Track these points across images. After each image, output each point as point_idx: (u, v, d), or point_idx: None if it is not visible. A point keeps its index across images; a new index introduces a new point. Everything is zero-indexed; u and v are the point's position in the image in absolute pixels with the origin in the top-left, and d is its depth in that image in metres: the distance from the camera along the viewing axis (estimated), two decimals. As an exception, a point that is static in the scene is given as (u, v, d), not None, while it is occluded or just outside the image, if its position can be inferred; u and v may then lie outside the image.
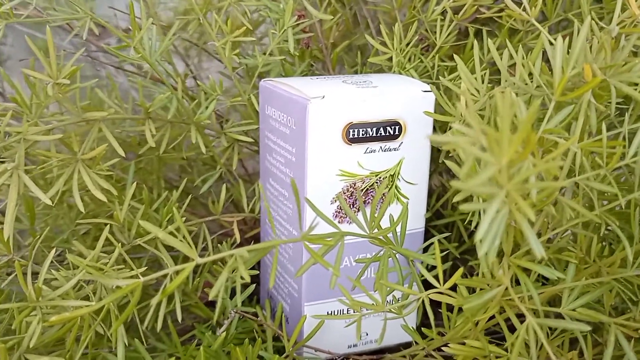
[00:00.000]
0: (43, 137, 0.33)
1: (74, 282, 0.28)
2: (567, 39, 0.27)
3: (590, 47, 0.29)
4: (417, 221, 0.41)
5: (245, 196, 0.47)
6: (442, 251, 0.43)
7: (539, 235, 0.29)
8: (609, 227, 0.35)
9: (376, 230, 0.31)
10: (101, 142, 0.38)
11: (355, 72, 0.51)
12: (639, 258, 0.28)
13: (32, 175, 0.37)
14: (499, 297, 0.29)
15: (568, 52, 0.26)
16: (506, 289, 0.29)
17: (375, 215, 0.30)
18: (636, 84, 0.27)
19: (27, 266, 0.32)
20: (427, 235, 0.43)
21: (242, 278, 0.41)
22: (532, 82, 0.30)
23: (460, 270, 0.27)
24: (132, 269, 0.32)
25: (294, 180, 0.29)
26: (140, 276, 0.27)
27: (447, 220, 0.46)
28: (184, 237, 0.26)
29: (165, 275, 0.32)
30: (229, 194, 0.53)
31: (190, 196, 0.43)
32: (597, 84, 0.26)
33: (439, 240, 0.46)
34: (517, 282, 0.30)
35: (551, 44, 0.28)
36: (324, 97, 0.36)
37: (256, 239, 0.50)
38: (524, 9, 0.29)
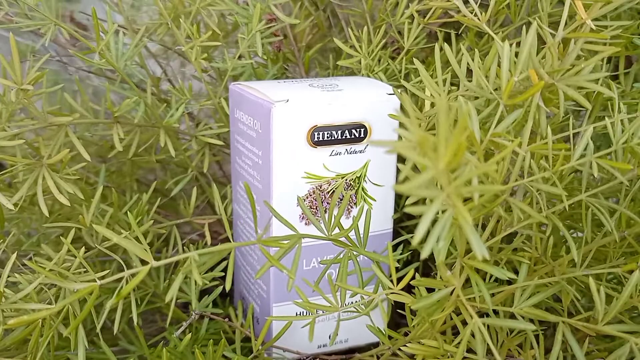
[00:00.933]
0: (9, 142, 0.33)
1: (35, 285, 0.29)
2: (515, 44, 0.27)
3: (545, 52, 0.29)
4: (384, 223, 0.41)
5: (220, 198, 0.47)
6: (410, 252, 0.44)
7: (492, 235, 0.29)
8: (574, 227, 0.36)
9: (336, 231, 0.32)
10: (70, 146, 0.38)
11: (328, 75, 0.52)
12: (588, 257, 0.28)
13: (1, 179, 0.37)
14: (454, 297, 0.29)
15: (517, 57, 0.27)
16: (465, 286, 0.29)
17: (334, 216, 0.31)
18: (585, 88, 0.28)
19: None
20: (397, 236, 0.44)
21: (216, 278, 0.41)
22: (487, 86, 0.30)
23: (411, 272, 0.28)
24: (99, 272, 0.32)
25: (247, 184, 0.30)
26: (98, 280, 0.27)
27: (417, 221, 0.47)
28: (137, 239, 0.27)
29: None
30: (205, 197, 0.53)
31: (160, 199, 0.43)
32: (545, 88, 0.27)
33: (409, 242, 0.46)
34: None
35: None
36: (288, 100, 0.36)
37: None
38: (475, 14, 0.30)
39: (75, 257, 0.36)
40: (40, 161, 0.34)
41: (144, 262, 0.26)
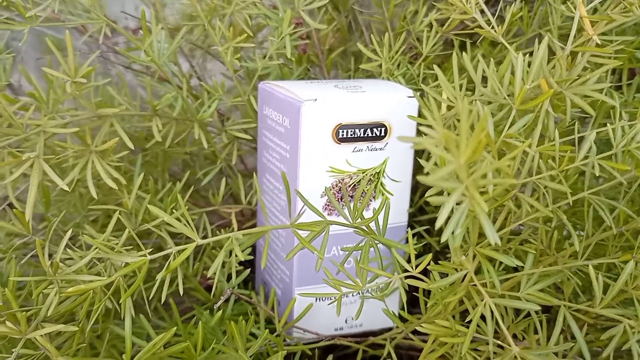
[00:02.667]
0: (61, 129, 0.36)
1: (88, 259, 0.32)
2: (528, 55, 0.30)
3: (554, 63, 0.33)
4: (400, 216, 0.44)
5: (244, 189, 0.51)
6: (423, 244, 0.47)
7: (502, 227, 0.32)
8: (576, 225, 0.39)
9: (359, 220, 0.35)
10: (111, 135, 0.42)
11: (349, 77, 0.55)
12: (588, 250, 0.31)
13: (50, 164, 0.41)
14: (467, 281, 0.32)
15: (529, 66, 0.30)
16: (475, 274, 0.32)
17: (358, 207, 0.34)
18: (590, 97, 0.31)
19: (45, 245, 0.35)
20: (411, 229, 0.47)
21: (238, 264, 0.45)
22: (500, 92, 0.33)
23: (430, 255, 0.31)
24: (139, 250, 0.35)
25: (285, 174, 0.33)
26: (148, 255, 0.30)
27: (429, 216, 0.50)
28: (186, 221, 0.30)
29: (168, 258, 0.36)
30: (229, 188, 0.56)
31: (192, 188, 0.47)
32: (554, 96, 0.30)
33: (421, 235, 0.49)
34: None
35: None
36: (316, 99, 0.39)
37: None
38: (492, 27, 0.33)
39: (115, 237, 0.39)
40: (89, 148, 0.37)
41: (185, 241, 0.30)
